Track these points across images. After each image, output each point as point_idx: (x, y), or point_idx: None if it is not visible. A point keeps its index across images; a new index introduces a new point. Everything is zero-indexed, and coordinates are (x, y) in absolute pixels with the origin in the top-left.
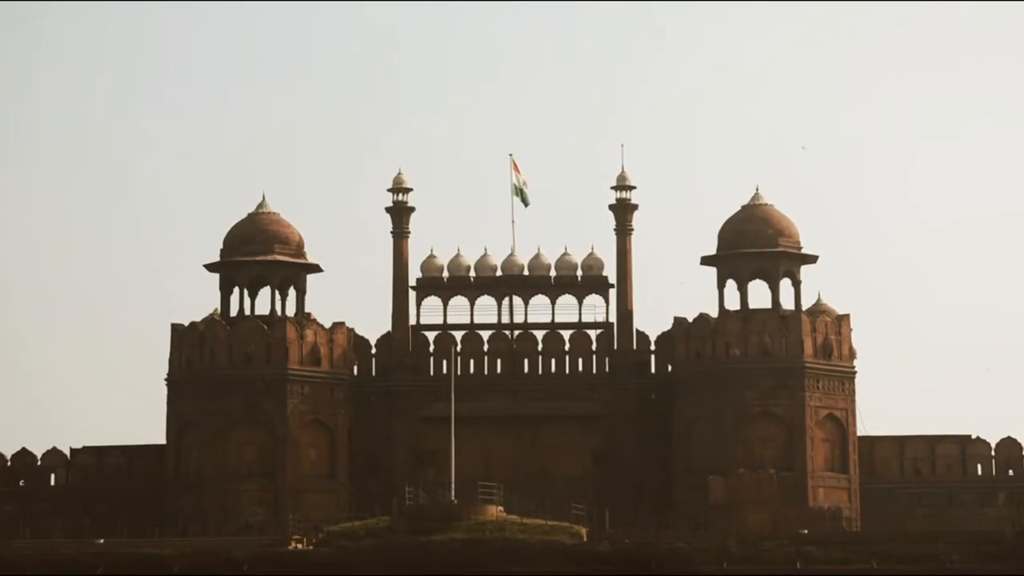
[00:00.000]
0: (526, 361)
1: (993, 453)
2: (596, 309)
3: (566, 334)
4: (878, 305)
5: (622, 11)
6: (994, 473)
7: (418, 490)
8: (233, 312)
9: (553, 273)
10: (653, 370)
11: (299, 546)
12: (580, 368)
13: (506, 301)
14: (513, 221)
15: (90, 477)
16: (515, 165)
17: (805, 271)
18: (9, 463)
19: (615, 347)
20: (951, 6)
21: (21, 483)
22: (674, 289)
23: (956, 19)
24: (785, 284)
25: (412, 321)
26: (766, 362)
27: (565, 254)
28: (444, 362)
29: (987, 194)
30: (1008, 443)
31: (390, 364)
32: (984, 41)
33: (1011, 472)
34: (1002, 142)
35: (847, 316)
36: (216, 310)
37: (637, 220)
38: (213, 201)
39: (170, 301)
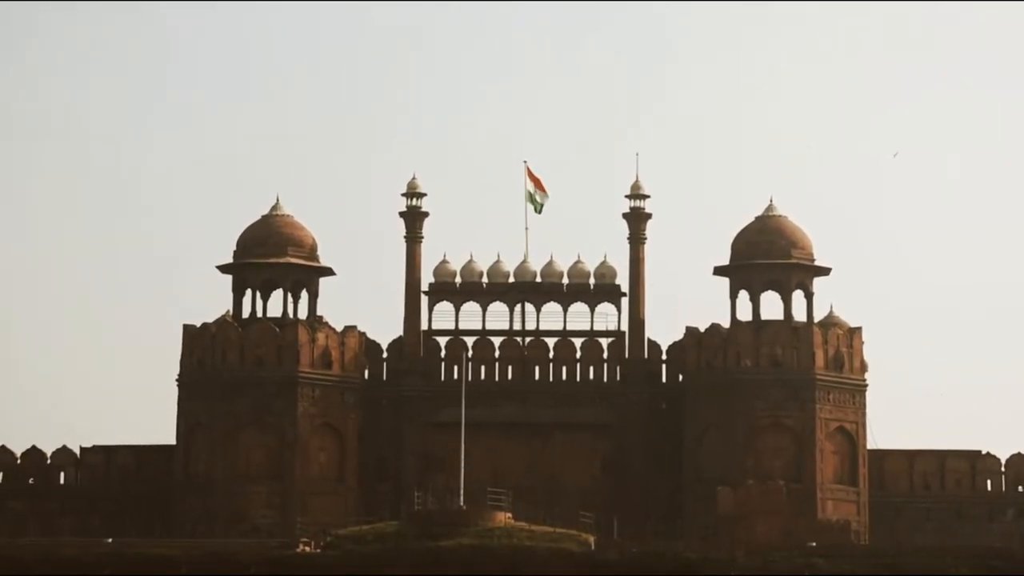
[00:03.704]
0: (537, 368)
1: (1003, 469)
2: (608, 317)
3: (578, 342)
4: (890, 318)
5: (638, 19)
6: (1003, 489)
7: (427, 495)
8: (245, 314)
9: (566, 280)
10: (664, 379)
11: (307, 549)
12: (591, 376)
13: (518, 308)
14: (527, 228)
15: (99, 476)
16: (529, 172)
17: (818, 283)
18: (19, 461)
19: (626, 356)
20: (967, 14)
21: (30, 481)
22: (686, 299)
23: (974, 29)
24: (798, 296)
25: (424, 326)
26: (777, 373)
27: (578, 262)
28: (455, 367)
29: (1002, 206)
30: (1018, 459)
31: (401, 369)
32: (1001, 50)
33: (1020, 488)
34: (1019, 152)
35: (859, 329)
36: (228, 312)
37: (651, 229)
38: (227, 202)
39: (182, 302)
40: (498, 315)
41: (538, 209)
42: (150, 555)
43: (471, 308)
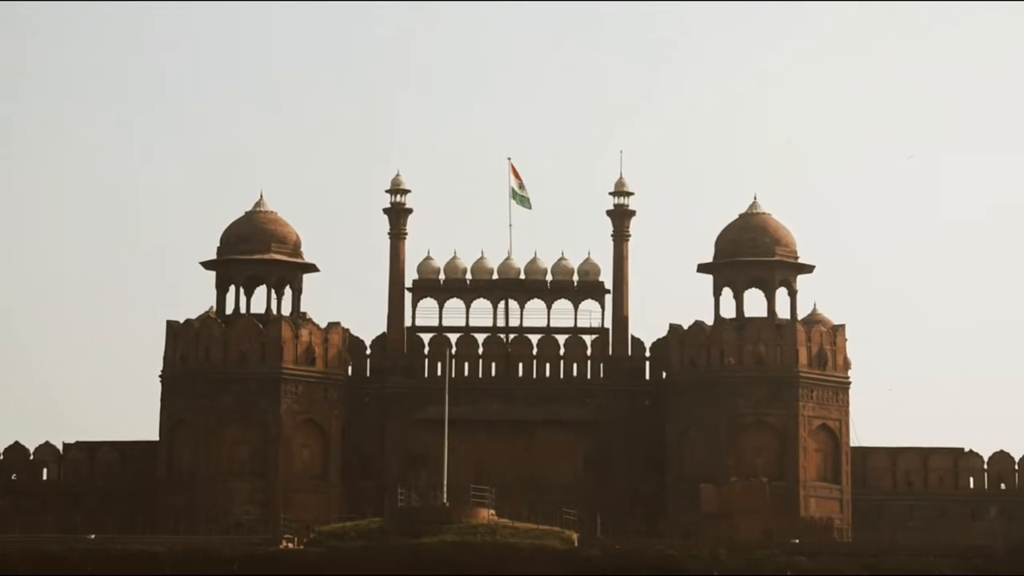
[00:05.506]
0: (520, 365)
1: (985, 466)
2: (592, 314)
3: (561, 339)
4: (874, 316)
5: (623, 18)
6: (986, 487)
7: (410, 492)
8: (229, 310)
9: (549, 277)
10: (647, 377)
11: (290, 546)
12: (575, 373)
13: (502, 305)
14: (510, 225)
15: (82, 472)
16: (513, 169)
17: (801, 281)
18: (1, 457)
19: (610, 353)
20: (949, 18)
21: (13, 477)
22: (670, 296)
23: (962, 28)
24: (781, 293)
25: (407, 323)
26: (760, 371)
27: (562, 259)
28: (439, 364)
29: (983, 205)
30: (1001, 456)
31: (385, 365)
32: (983, 51)
33: (1003, 486)
34: (999, 153)
35: (842, 326)
36: (212, 308)
37: (634, 226)
38: (211, 199)
39: (166, 298)
40: (482, 312)
41: (528, 205)
42: (133, 551)
43: (455, 305)
